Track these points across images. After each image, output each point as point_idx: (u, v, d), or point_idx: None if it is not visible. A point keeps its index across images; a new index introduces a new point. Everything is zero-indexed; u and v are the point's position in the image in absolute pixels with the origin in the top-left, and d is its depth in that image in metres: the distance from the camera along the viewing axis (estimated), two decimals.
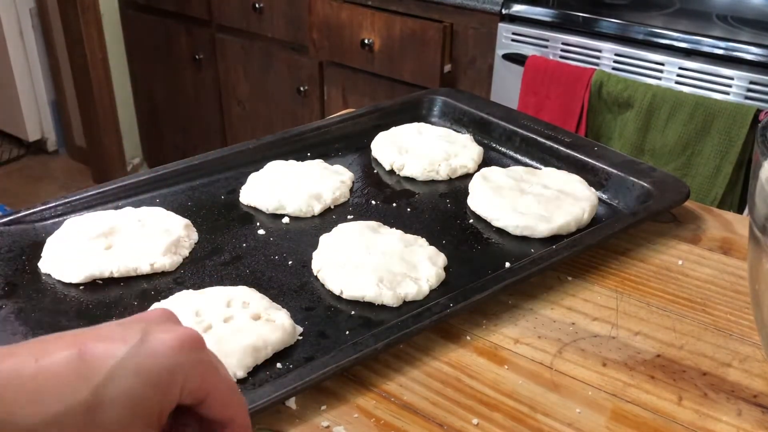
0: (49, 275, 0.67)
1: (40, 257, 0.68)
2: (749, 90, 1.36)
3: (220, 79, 2.41)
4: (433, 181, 0.86)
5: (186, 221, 0.74)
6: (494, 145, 0.93)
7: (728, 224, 0.78)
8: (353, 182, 0.84)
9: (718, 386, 0.57)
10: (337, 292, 0.65)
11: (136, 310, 0.62)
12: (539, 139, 0.89)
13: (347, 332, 0.60)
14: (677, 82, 1.44)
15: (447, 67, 1.79)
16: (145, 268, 0.67)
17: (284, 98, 2.25)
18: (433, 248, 0.70)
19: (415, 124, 0.95)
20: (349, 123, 0.96)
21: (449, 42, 1.77)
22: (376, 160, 0.90)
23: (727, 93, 1.38)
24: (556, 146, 0.87)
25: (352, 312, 0.63)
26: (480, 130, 0.95)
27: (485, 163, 0.88)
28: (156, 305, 0.61)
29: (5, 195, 2.72)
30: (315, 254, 0.69)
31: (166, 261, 0.68)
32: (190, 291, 0.63)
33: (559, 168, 0.84)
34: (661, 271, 0.70)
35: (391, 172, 0.87)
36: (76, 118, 2.83)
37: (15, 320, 0.61)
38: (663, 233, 0.76)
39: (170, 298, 0.62)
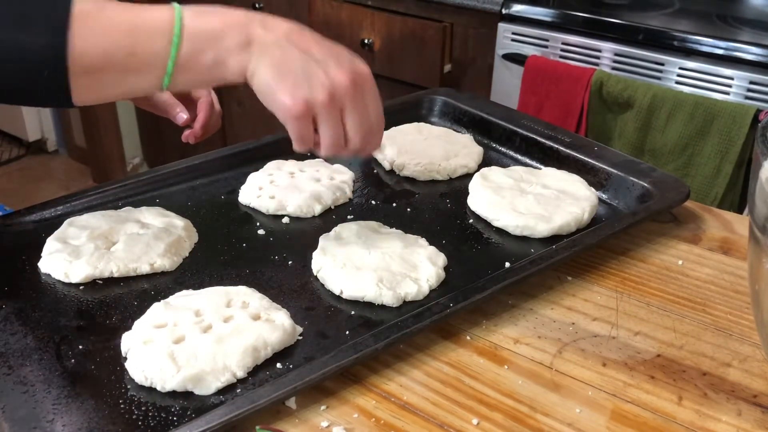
0: (49, 275, 0.67)
1: (40, 257, 0.68)
2: (749, 90, 1.36)
3: None
4: (433, 181, 0.86)
5: (186, 221, 0.74)
6: (494, 145, 0.93)
7: (728, 224, 0.78)
8: (353, 182, 0.84)
9: (718, 386, 0.57)
10: (337, 292, 0.65)
11: (136, 310, 0.62)
12: (539, 139, 0.89)
13: (347, 332, 0.60)
14: (677, 82, 1.44)
15: (447, 67, 1.79)
16: (145, 268, 0.67)
17: None
18: (433, 248, 0.70)
19: (415, 124, 0.95)
20: None
21: (449, 42, 1.76)
22: (376, 160, 0.90)
23: (727, 93, 1.38)
24: (556, 146, 0.87)
25: (352, 312, 0.63)
26: (480, 130, 0.95)
27: (485, 163, 0.88)
28: (156, 305, 0.61)
29: (5, 195, 2.72)
30: (315, 254, 0.69)
31: (166, 261, 0.68)
32: (190, 291, 0.63)
33: (559, 168, 0.84)
34: (661, 271, 0.70)
35: (391, 172, 0.87)
36: (76, 118, 2.83)
37: (15, 320, 0.61)
38: (663, 233, 0.76)
39: (170, 298, 0.62)
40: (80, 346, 0.58)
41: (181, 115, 0.83)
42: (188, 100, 0.85)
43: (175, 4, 0.60)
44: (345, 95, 0.62)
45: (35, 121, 3.01)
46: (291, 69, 0.61)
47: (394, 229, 0.73)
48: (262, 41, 0.61)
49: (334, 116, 0.62)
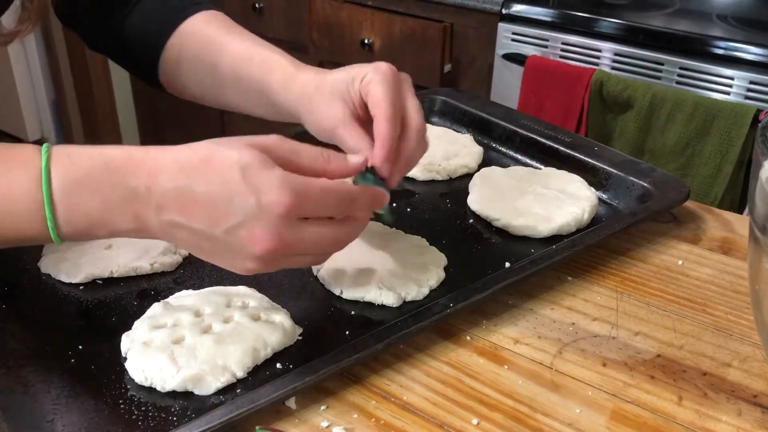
0: (49, 275, 0.67)
1: (40, 257, 0.68)
2: (749, 90, 1.36)
3: None
4: (433, 181, 0.86)
5: None
6: (494, 145, 0.93)
7: (728, 224, 0.78)
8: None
9: (718, 386, 0.57)
10: (337, 292, 0.65)
11: (136, 310, 0.62)
12: (539, 139, 0.89)
13: (347, 332, 0.60)
14: (677, 82, 1.44)
15: (447, 67, 1.79)
16: (145, 268, 0.67)
17: None
18: (433, 248, 0.70)
19: None
20: None
21: (449, 42, 1.77)
22: None
23: (727, 93, 1.39)
24: (556, 146, 0.87)
25: (352, 312, 0.63)
26: (480, 130, 0.95)
27: (485, 163, 0.88)
28: (156, 305, 0.61)
29: None
30: None
31: (166, 261, 0.68)
32: (190, 291, 0.63)
33: (559, 168, 0.84)
34: (661, 271, 0.70)
35: None
36: (76, 118, 2.83)
37: (15, 320, 0.61)
38: (663, 233, 0.76)
39: (170, 298, 0.62)
40: (80, 346, 0.58)
41: (354, 161, 0.60)
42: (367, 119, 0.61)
43: (42, 174, 0.49)
44: (274, 255, 0.51)
45: (35, 121, 3.01)
46: (207, 251, 0.53)
47: (394, 229, 0.73)
48: (158, 227, 0.51)
49: (279, 263, 0.53)
